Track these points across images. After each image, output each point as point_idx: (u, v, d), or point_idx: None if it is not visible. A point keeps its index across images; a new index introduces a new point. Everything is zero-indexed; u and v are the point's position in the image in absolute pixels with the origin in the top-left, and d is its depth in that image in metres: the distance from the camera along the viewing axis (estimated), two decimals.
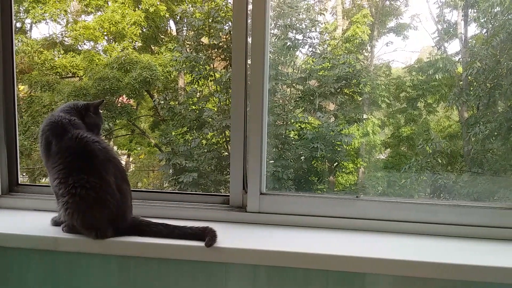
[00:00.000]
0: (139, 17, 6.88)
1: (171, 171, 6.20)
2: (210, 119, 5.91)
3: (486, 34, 5.74)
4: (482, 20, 5.70)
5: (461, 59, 6.15)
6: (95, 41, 7.04)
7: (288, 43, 5.97)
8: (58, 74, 6.81)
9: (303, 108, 6.03)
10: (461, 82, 5.83)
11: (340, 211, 1.59)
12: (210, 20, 6.12)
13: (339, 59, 6.09)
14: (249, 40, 1.60)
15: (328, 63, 6.11)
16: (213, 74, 6.27)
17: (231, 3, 1.64)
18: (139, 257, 1.42)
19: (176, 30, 7.68)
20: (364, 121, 6.30)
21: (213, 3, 6.33)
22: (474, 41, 6.01)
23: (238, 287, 1.40)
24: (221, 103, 6.16)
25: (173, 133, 6.20)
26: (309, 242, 1.45)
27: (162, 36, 7.72)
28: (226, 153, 5.96)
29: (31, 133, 6.18)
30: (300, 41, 6.16)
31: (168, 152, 6.12)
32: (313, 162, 5.76)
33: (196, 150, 5.99)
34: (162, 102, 6.74)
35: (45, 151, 1.44)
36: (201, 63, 6.18)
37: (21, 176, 1.87)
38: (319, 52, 6.31)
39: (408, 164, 5.57)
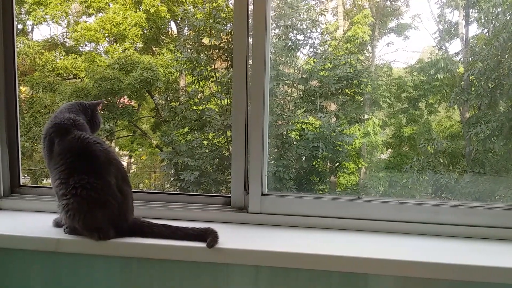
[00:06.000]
0: (140, 18, 6.89)
1: (172, 170, 6.20)
2: (211, 119, 5.91)
3: (487, 34, 5.73)
4: (483, 20, 5.69)
5: (462, 59, 6.15)
6: (96, 43, 7.06)
7: (289, 44, 5.97)
8: (59, 75, 6.82)
9: (304, 109, 6.03)
10: (463, 82, 5.82)
11: (341, 212, 1.58)
12: (211, 21, 6.13)
13: (340, 60, 6.09)
14: (250, 40, 1.60)
15: (329, 64, 6.11)
16: (214, 75, 6.27)
17: (232, 3, 1.64)
18: (141, 258, 1.42)
19: (177, 30, 7.69)
20: (365, 121, 6.30)
21: (214, 3, 6.34)
22: (476, 41, 6.00)
23: None
24: (222, 103, 6.16)
25: (175, 133, 6.20)
26: (311, 242, 1.45)
27: (163, 37, 7.74)
28: (228, 153, 5.96)
29: (32, 134, 6.19)
30: (301, 42, 6.16)
31: (170, 151, 6.13)
32: (314, 162, 5.75)
33: (198, 150, 6.00)
34: (163, 102, 6.75)
35: (48, 152, 1.44)
36: (202, 63, 6.19)
37: (23, 177, 1.86)
38: (320, 52, 6.31)
39: (409, 164, 5.57)
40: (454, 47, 7.97)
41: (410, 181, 5.56)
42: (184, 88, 6.95)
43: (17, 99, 1.80)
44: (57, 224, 1.50)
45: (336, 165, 5.99)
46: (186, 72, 6.62)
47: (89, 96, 6.24)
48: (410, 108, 6.50)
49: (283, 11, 6.15)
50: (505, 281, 1.25)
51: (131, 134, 7.62)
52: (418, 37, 6.85)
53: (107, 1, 7.10)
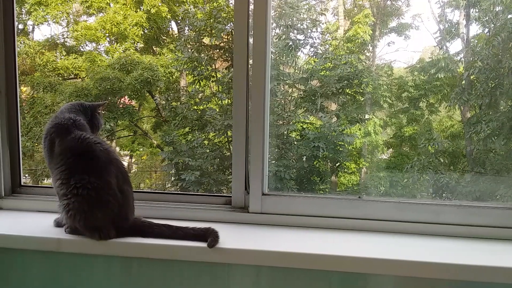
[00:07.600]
0: (140, 18, 6.89)
1: (173, 170, 6.20)
2: (212, 119, 5.91)
3: (488, 33, 5.73)
4: (483, 20, 5.69)
5: (463, 59, 6.15)
6: (97, 42, 7.06)
7: (290, 43, 5.96)
8: (60, 75, 6.82)
9: (305, 108, 6.03)
10: (463, 82, 5.82)
11: (342, 212, 1.58)
12: (211, 21, 6.13)
13: (340, 59, 6.09)
14: (251, 40, 1.60)
15: (329, 63, 6.10)
16: (214, 75, 6.27)
17: (233, 3, 1.64)
18: (141, 258, 1.42)
19: (178, 30, 7.69)
20: (366, 121, 6.30)
21: (214, 3, 6.34)
22: (476, 41, 6.00)
23: None
24: (223, 103, 6.17)
25: (175, 133, 6.20)
26: (312, 242, 1.45)
27: (163, 37, 7.74)
28: (228, 153, 5.97)
29: (33, 134, 6.19)
30: (302, 41, 6.16)
31: (171, 151, 6.13)
32: (315, 162, 5.75)
33: (199, 150, 6.00)
34: (164, 102, 6.75)
35: (48, 152, 1.45)
36: (203, 63, 6.19)
37: (24, 177, 1.86)
38: (321, 52, 6.31)
39: (410, 164, 5.57)
40: (455, 46, 7.94)
41: (411, 181, 5.56)
42: (185, 88, 6.95)
43: (18, 99, 1.80)
44: (58, 224, 1.50)
45: (337, 165, 5.98)
46: (187, 72, 6.62)
47: (89, 96, 6.24)
48: (411, 108, 6.50)
49: (283, 11, 6.15)
50: (506, 281, 1.25)
51: (132, 134, 7.62)
52: (419, 36, 6.83)
53: (108, 1, 7.10)
